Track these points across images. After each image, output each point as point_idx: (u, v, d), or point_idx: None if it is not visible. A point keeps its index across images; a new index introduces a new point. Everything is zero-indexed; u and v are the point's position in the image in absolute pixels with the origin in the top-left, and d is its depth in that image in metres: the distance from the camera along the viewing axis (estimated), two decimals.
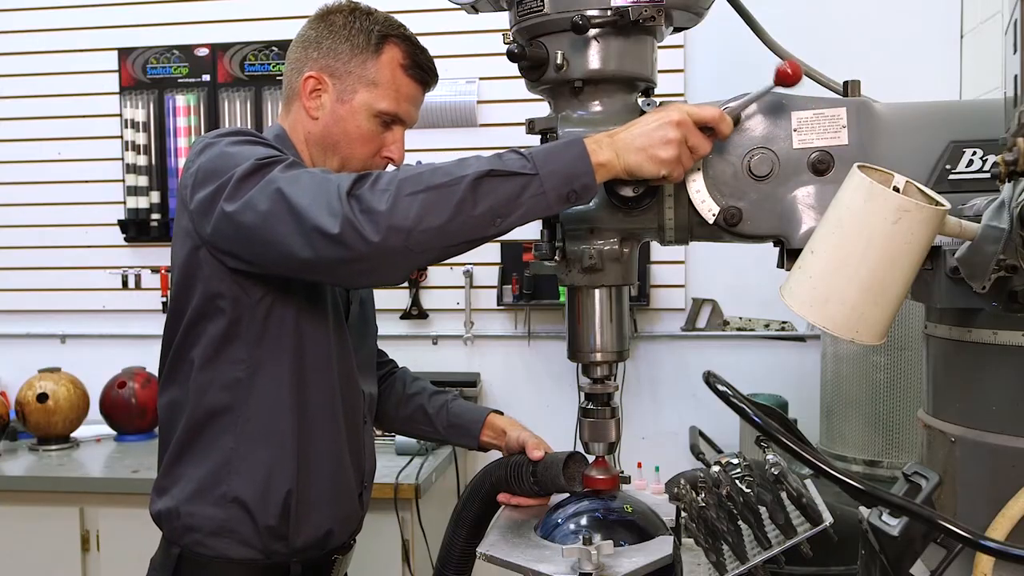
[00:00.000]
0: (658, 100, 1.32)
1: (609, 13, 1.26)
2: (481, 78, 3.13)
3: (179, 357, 1.52)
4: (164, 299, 3.28)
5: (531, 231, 1.40)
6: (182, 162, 3.29)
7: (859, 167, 1.01)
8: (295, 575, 1.54)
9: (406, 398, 1.87)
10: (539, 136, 1.37)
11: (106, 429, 3.11)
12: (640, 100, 1.32)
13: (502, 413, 1.82)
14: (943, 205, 0.99)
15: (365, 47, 1.56)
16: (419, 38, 1.62)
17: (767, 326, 3.02)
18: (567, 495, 1.52)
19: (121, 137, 3.36)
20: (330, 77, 1.57)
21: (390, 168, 1.62)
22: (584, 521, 1.44)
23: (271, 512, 1.50)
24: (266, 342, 1.48)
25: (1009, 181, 0.90)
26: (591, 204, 1.29)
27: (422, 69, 1.61)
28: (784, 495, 1.27)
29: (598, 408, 1.41)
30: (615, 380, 1.43)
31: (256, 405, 1.49)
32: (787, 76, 1.20)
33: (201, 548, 1.50)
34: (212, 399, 1.49)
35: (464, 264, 3.17)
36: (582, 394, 1.44)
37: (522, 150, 1.25)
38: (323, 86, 1.57)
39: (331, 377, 1.56)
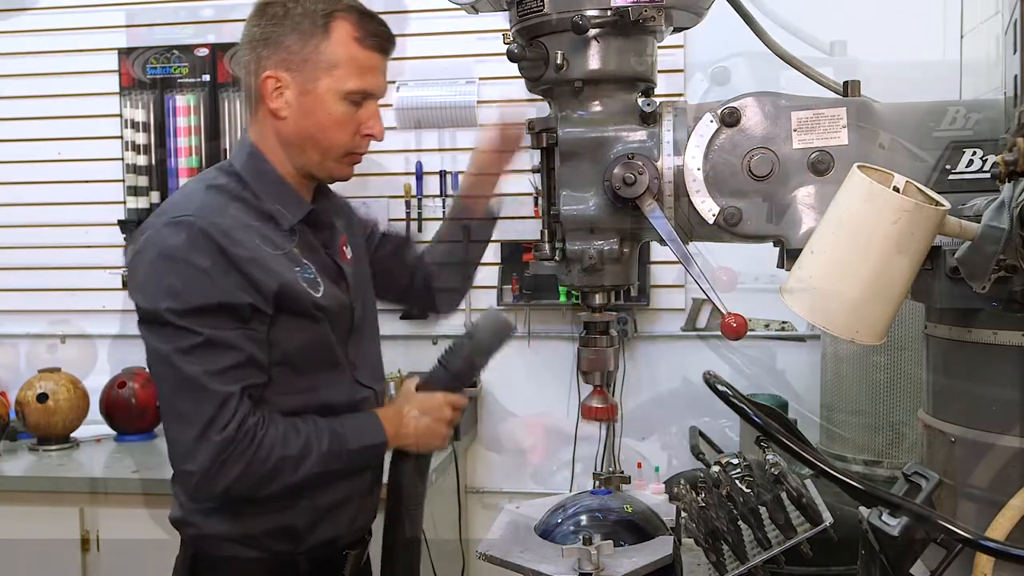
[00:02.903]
0: (658, 100, 1.31)
1: (609, 13, 1.26)
2: (481, 78, 3.13)
3: None
4: None
5: (531, 231, 1.39)
6: (183, 162, 3.33)
7: (859, 167, 1.01)
8: (305, 572, 1.56)
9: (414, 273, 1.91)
10: (539, 136, 1.36)
11: (106, 429, 3.10)
12: (640, 100, 1.32)
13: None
14: (943, 205, 0.99)
15: (313, 31, 1.50)
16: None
17: (767, 326, 3.02)
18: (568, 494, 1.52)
19: (121, 137, 3.36)
20: (287, 72, 1.50)
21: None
22: (584, 521, 1.44)
23: (283, 521, 1.52)
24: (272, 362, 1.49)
25: (1009, 181, 0.90)
26: (591, 205, 1.29)
27: (378, 36, 1.54)
28: (784, 495, 1.27)
29: (596, 336, 1.41)
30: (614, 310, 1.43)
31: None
32: (731, 330, 1.26)
33: (213, 550, 1.54)
34: None
35: None
36: (581, 324, 1.44)
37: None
38: (283, 83, 1.51)
39: (340, 388, 1.58)
